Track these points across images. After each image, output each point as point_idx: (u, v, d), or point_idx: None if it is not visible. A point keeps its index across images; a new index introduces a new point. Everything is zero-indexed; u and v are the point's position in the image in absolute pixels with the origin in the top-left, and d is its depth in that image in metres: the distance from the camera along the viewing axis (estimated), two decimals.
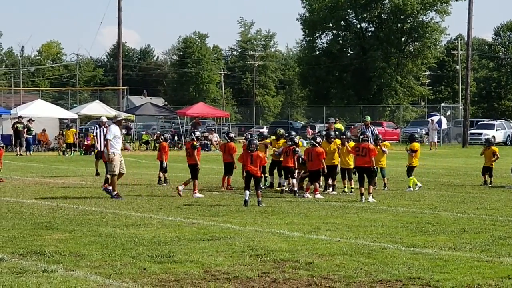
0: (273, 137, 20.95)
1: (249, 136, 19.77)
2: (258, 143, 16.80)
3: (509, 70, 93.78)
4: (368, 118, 23.39)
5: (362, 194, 17.01)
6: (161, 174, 21.53)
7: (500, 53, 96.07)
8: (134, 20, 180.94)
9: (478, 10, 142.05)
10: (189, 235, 11.55)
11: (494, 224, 13.12)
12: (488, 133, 56.55)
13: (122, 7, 54.83)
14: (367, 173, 17.23)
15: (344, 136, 19.51)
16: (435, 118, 52.99)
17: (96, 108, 45.48)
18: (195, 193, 17.86)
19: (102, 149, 25.28)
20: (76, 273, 8.82)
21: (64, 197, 17.79)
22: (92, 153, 36.06)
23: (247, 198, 15.97)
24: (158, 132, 49.19)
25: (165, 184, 21.14)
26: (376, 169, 18.29)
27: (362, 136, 17.68)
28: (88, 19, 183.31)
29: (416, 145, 20.22)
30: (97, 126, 25.65)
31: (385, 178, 20.29)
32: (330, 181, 19.23)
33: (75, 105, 62.45)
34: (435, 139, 50.17)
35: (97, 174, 24.69)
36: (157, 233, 11.77)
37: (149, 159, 34.20)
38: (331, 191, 19.04)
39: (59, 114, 45.77)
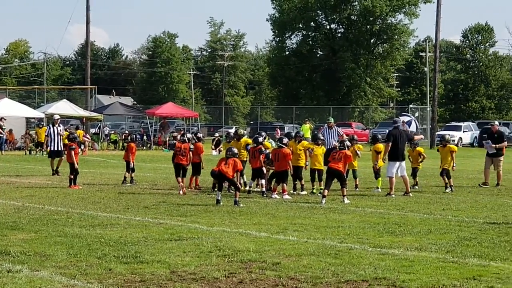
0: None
1: (217, 136, 19.65)
2: (236, 152, 16.85)
3: (476, 72, 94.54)
4: (331, 120, 23.39)
5: (324, 196, 16.78)
6: (127, 174, 21.43)
7: (468, 56, 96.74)
8: (103, 18, 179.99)
9: (446, 12, 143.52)
10: (156, 235, 11.50)
11: (460, 225, 13.22)
12: (455, 135, 57.22)
13: (91, 5, 54.49)
14: (338, 177, 17.18)
15: (320, 140, 19.66)
16: (405, 119, 52.94)
17: (63, 107, 44.98)
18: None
19: (56, 148, 25.22)
20: (41, 273, 8.74)
21: (29, 196, 17.62)
22: (44, 152, 35.46)
23: (218, 198, 16.09)
24: (127, 131, 48.94)
25: (130, 184, 21.02)
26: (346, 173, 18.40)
27: (339, 145, 17.82)
28: (56, 17, 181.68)
29: (380, 146, 20.28)
30: (50, 125, 25.64)
31: (357, 180, 20.37)
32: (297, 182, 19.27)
33: (42, 104, 61.83)
34: None
35: (56, 173, 24.45)
36: (123, 234, 11.70)
37: (117, 159, 33.95)
38: (301, 191, 19.07)
39: (26, 113, 45.23)
